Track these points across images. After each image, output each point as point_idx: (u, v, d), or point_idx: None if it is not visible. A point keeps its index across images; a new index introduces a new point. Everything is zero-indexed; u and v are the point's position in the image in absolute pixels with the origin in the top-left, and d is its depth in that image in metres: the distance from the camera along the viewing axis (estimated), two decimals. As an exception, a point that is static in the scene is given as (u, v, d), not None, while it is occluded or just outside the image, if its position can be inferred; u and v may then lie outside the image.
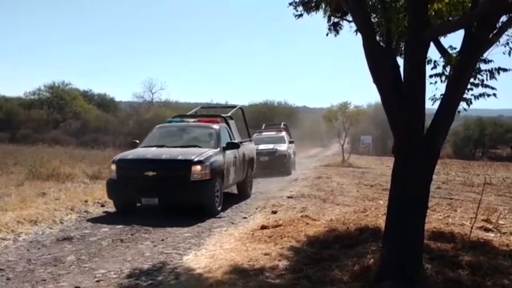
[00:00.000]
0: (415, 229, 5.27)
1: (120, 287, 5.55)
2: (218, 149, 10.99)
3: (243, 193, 13.10)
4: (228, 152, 11.32)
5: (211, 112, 15.70)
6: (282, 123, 26.58)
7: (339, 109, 31.66)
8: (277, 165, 20.89)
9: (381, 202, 10.71)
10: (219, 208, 10.45)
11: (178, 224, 9.02)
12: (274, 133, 24.07)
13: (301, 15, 7.17)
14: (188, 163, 9.92)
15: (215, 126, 11.84)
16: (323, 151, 51.67)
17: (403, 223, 5.24)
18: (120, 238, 7.91)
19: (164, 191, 9.81)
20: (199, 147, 10.92)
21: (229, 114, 13.71)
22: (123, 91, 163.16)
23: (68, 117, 50.89)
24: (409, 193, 5.20)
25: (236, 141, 11.98)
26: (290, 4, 7.14)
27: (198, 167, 9.92)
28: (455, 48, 5.62)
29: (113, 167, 10.37)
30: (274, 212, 9.81)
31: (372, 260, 5.47)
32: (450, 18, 6.29)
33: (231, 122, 13.12)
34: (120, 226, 8.85)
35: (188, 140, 11.47)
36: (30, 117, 46.85)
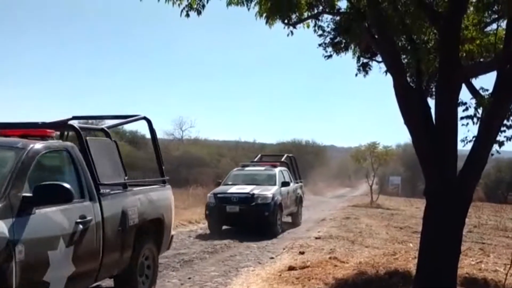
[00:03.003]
0: (447, 274, 5.14)
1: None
2: None
3: None
4: None
5: None
6: (286, 155, 18.84)
7: (367, 149, 31.41)
8: (254, 219, 13.18)
9: (411, 245, 10.47)
10: None
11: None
12: (263, 168, 15.88)
13: (330, 56, 7.25)
14: None
15: None
16: (351, 191, 51.14)
17: (435, 268, 5.11)
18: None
19: None
20: None
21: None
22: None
23: (99, 154, 51.66)
24: (441, 238, 5.09)
25: None
26: (319, 45, 7.24)
27: None
28: (487, 90, 5.57)
29: None
30: (302, 253, 9.68)
31: (402, 306, 5.32)
32: (481, 60, 6.26)
33: None
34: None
35: None
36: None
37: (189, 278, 7.75)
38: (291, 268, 7.91)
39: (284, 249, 10.68)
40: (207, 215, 13.68)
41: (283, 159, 17.98)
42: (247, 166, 16.60)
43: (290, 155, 19.44)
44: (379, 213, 22.36)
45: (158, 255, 6.79)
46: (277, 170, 15.36)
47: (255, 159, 18.65)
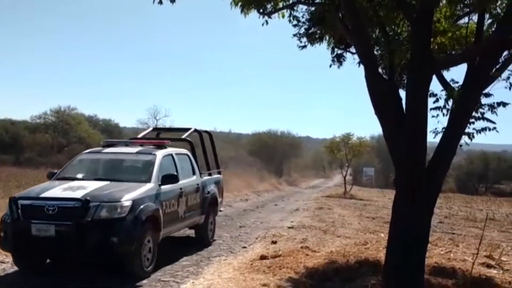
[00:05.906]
0: (415, 263, 5.21)
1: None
2: None
3: None
4: None
5: None
6: (193, 129, 10.99)
7: (341, 140, 31.65)
8: (88, 251, 6.60)
9: (382, 235, 10.60)
10: None
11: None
12: (134, 151, 8.74)
13: (305, 46, 7.27)
14: None
15: None
16: (325, 182, 51.59)
17: (403, 257, 5.18)
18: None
19: None
20: None
21: None
22: (127, 117, 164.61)
23: (72, 141, 51.04)
24: (410, 227, 5.16)
25: None
26: (294, 35, 7.24)
27: None
28: (457, 82, 5.65)
29: None
30: (274, 242, 9.71)
31: (371, 294, 5.39)
32: (453, 52, 6.34)
33: None
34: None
35: None
36: (35, 140, 47.02)
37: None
38: (263, 257, 7.93)
39: (256, 238, 10.70)
40: (1, 238, 6.97)
41: (185, 135, 10.71)
42: (113, 145, 9.24)
43: (203, 130, 11.87)
44: (352, 203, 22.58)
45: None
46: (159, 153, 8.47)
47: (140, 135, 11.23)
